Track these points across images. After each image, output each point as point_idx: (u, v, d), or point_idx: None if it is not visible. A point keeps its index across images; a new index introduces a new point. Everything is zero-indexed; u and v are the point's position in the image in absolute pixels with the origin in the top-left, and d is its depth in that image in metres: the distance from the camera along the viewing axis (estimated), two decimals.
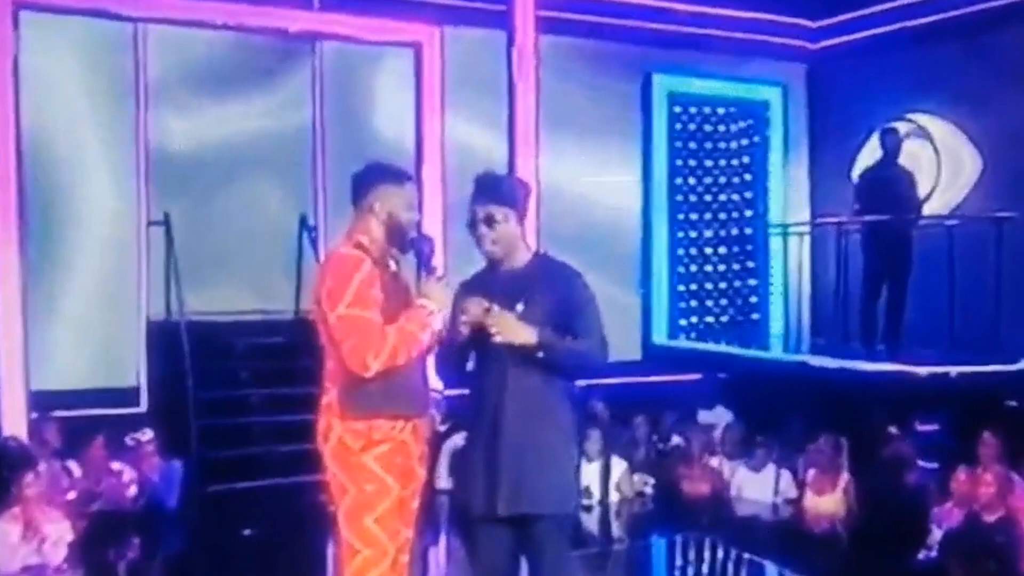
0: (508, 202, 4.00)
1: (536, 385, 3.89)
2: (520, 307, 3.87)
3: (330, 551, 7.31)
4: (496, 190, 4.03)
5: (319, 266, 4.03)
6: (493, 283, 3.97)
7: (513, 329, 3.81)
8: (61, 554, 6.27)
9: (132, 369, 8.88)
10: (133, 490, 7.34)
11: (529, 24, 9.37)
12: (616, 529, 7.75)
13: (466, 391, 4.09)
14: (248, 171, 9.57)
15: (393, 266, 4.01)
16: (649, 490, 8.17)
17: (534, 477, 3.86)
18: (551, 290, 3.93)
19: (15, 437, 7.71)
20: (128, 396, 8.70)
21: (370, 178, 4.00)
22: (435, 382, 4.29)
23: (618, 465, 7.98)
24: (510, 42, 9.36)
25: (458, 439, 4.71)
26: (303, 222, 9.56)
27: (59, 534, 6.29)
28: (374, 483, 3.85)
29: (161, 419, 8.26)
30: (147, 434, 7.68)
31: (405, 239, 3.99)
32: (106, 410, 8.22)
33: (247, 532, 7.12)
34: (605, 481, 7.87)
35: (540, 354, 3.82)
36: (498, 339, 3.81)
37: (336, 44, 9.73)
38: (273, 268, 9.56)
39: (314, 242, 9.40)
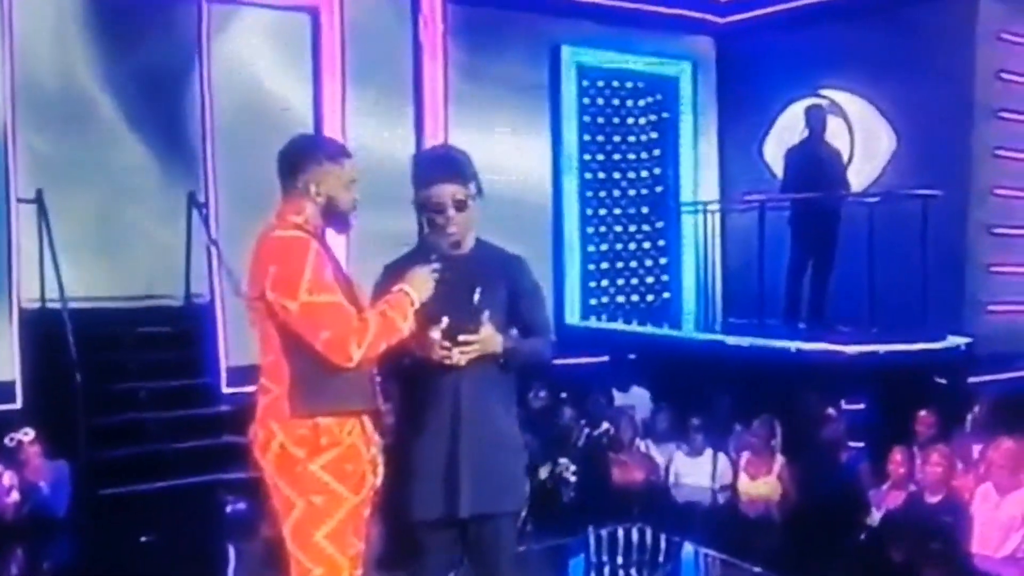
0: (475, 179, 3.76)
1: (492, 384, 3.75)
2: (478, 294, 3.67)
3: (232, 556, 6.90)
4: (463, 167, 3.76)
5: (254, 252, 3.52)
6: (446, 269, 3.66)
7: (483, 346, 3.63)
8: None
9: (4, 362, 8.06)
10: (15, 496, 6.79)
11: None
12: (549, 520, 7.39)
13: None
14: (130, 144, 8.87)
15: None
16: (572, 477, 7.84)
17: (497, 475, 3.74)
18: (502, 277, 3.80)
19: None
20: (3, 392, 7.91)
21: (303, 155, 3.62)
22: None
23: None
24: (416, 9, 8.87)
25: None
26: (192, 199, 8.88)
27: None
28: (324, 494, 3.50)
29: (40, 417, 7.54)
30: (29, 434, 7.05)
31: (344, 220, 3.64)
32: None
33: (144, 539, 6.68)
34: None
35: (501, 360, 3.69)
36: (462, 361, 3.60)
37: (225, 7, 9.03)
38: (160, 250, 8.87)
39: (206, 220, 8.74)
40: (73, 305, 8.05)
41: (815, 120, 8.82)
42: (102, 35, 8.80)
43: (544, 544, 6.62)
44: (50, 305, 8.18)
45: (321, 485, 3.47)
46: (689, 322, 10.48)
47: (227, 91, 8.99)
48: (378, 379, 3.66)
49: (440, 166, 3.77)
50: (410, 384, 3.73)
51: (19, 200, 8.23)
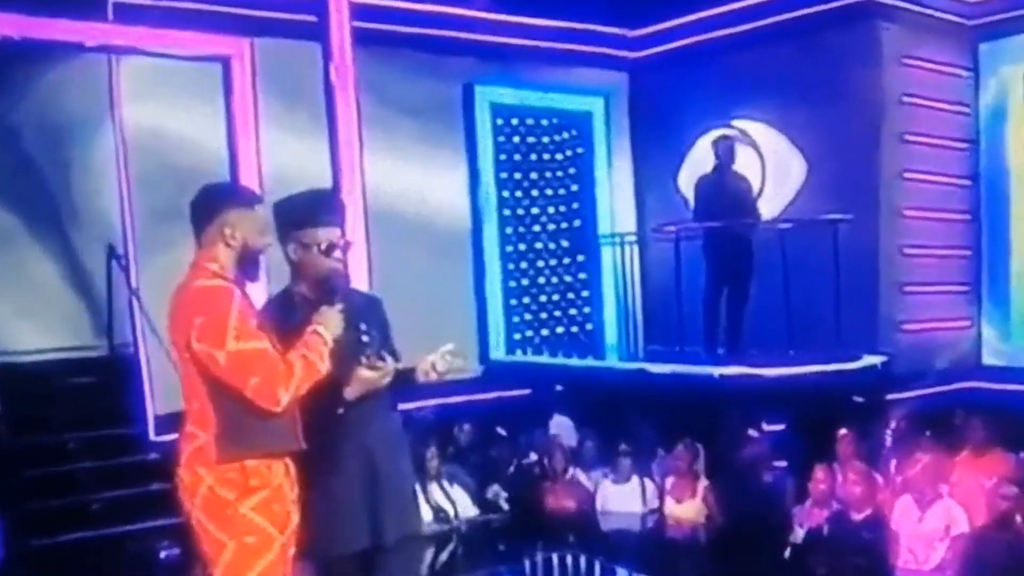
0: (345, 222, 3.98)
1: (395, 416, 4.05)
2: (365, 333, 3.84)
3: None
4: (342, 210, 3.99)
5: (176, 302, 3.58)
6: (343, 308, 3.78)
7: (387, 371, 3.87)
8: None
9: None
10: None
11: (345, 36, 8.93)
12: (483, 551, 7.46)
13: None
14: (47, 196, 8.88)
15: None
16: (504, 504, 7.94)
17: (410, 501, 4.11)
18: (375, 314, 4.03)
19: None
20: None
21: (216, 202, 3.69)
22: None
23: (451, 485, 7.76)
24: (326, 55, 8.92)
25: None
26: (111, 252, 8.85)
27: None
28: (255, 534, 3.58)
29: None
30: None
31: (256, 267, 3.70)
32: None
33: None
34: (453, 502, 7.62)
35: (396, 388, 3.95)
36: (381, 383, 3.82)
37: (136, 60, 9.00)
38: (82, 302, 8.83)
39: (126, 271, 8.71)
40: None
41: (723, 151, 9.01)
42: (11, 89, 8.78)
43: (481, 572, 6.75)
44: None
45: (252, 526, 3.54)
46: (613, 352, 10.60)
47: (141, 143, 8.91)
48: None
49: (333, 209, 3.93)
50: (321, 426, 3.77)
51: None
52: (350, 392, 3.76)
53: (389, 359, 3.83)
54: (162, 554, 7.17)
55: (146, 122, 8.98)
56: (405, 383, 3.94)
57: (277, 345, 3.57)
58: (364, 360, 3.78)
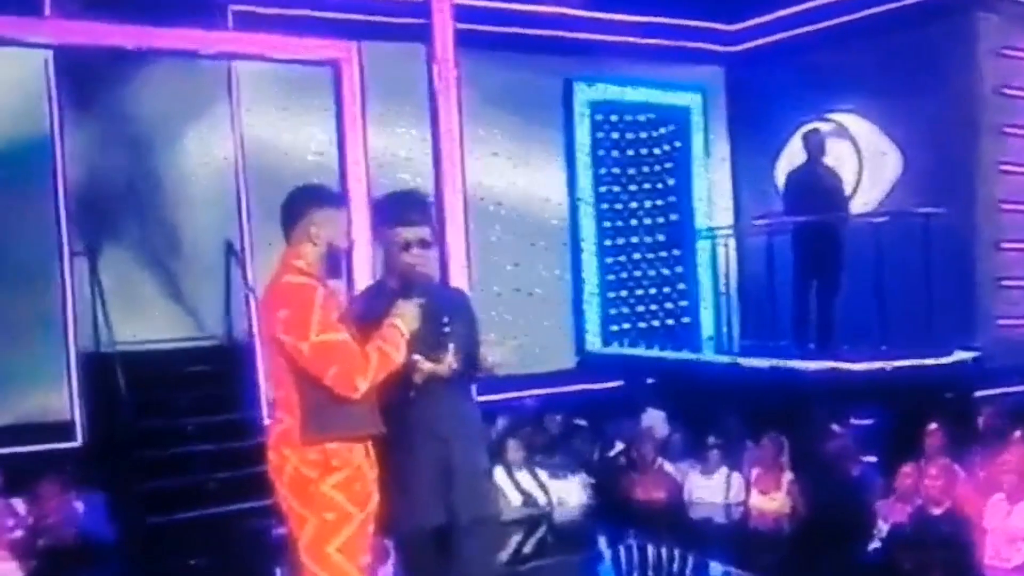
0: (432, 220, 4.21)
1: (468, 402, 4.23)
2: (447, 324, 4.06)
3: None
4: (427, 210, 4.21)
5: (265, 298, 3.92)
6: (422, 302, 4.01)
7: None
8: None
9: (65, 403, 8.60)
10: (75, 526, 7.24)
11: (448, 37, 9.31)
12: (568, 538, 7.74)
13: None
14: (171, 197, 9.47)
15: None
16: (593, 492, 8.22)
17: (481, 483, 4.26)
18: (459, 309, 4.23)
19: None
20: (62, 430, 8.44)
21: (302, 203, 3.96)
22: None
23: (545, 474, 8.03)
24: (430, 56, 9.29)
25: None
26: (229, 247, 9.42)
27: (4, 574, 6.27)
28: (334, 511, 3.84)
29: (98, 452, 8.14)
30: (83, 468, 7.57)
31: (340, 264, 4.04)
32: (41, 446, 8.03)
33: (192, 562, 7.11)
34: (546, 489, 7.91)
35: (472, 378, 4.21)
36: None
37: (252, 65, 9.53)
38: (201, 295, 9.41)
39: (242, 266, 9.25)
40: (125, 348, 8.63)
41: (813, 144, 9.09)
42: (138, 95, 9.39)
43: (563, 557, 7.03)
44: (104, 349, 8.69)
45: (332, 503, 3.81)
46: (709, 345, 10.74)
47: (256, 144, 9.50)
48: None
49: (418, 209, 4.17)
50: (397, 410, 4.03)
51: (73, 254, 8.75)
52: (417, 378, 4.01)
53: (450, 351, 4.05)
54: (271, 532, 7.62)
55: (261, 124, 9.57)
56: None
57: (357, 336, 3.84)
58: (426, 353, 4.01)
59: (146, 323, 9.06)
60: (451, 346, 4.05)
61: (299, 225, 3.90)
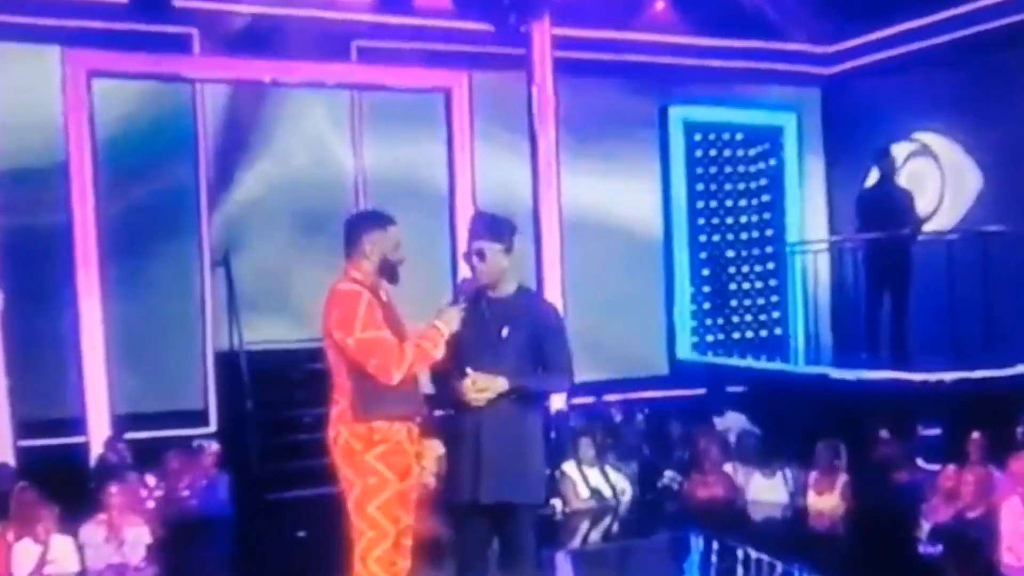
0: (496, 238, 4.68)
1: (510, 402, 4.61)
2: (505, 331, 4.59)
3: None
4: (485, 227, 4.71)
5: (325, 300, 4.66)
6: (484, 308, 4.67)
7: (493, 388, 4.56)
8: (139, 554, 7.05)
9: (202, 394, 9.81)
10: (196, 498, 8.20)
11: (547, 65, 10.04)
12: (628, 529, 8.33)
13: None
14: (302, 214, 10.38)
15: (384, 296, 4.73)
16: (675, 486, 8.72)
17: (509, 472, 4.62)
18: (530, 318, 4.66)
19: (108, 453, 8.56)
20: (199, 417, 9.62)
21: (361, 225, 4.71)
22: None
23: (613, 471, 8.57)
24: (529, 83, 10.03)
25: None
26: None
27: (137, 537, 7.06)
28: (375, 476, 4.58)
29: (227, 437, 9.17)
30: (213, 446, 8.55)
31: (395, 273, 4.70)
32: (180, 431, 9.10)
33: (301, 534, 7.86)
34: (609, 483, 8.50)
35: (512, 394, 4.58)
36: (480, 401, 4.56)
37: (374, 94, 10.51)
38: (317, 302, 10.36)
39: None
40: (254, 348, 9.74)
41: (884, 165, 9.41)
42: (271, 120, 10.54)
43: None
44: (235, 349, 9.81)
45: (373, 470, 4.56)
46: (798, 357, 11.04)
47: (375, 165, 10.50)
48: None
49: (479, 226, 4.75)
50: (452, 398, 4.72)
51: (214, 264, 9.97)
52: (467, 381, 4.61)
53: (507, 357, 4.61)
54: None
55: (379, 147, 10.53)
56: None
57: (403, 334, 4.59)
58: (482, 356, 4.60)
59: (270, 326, 10.10)
60: (508, 351, 4.61)
61: (356, 243, 4.64)
